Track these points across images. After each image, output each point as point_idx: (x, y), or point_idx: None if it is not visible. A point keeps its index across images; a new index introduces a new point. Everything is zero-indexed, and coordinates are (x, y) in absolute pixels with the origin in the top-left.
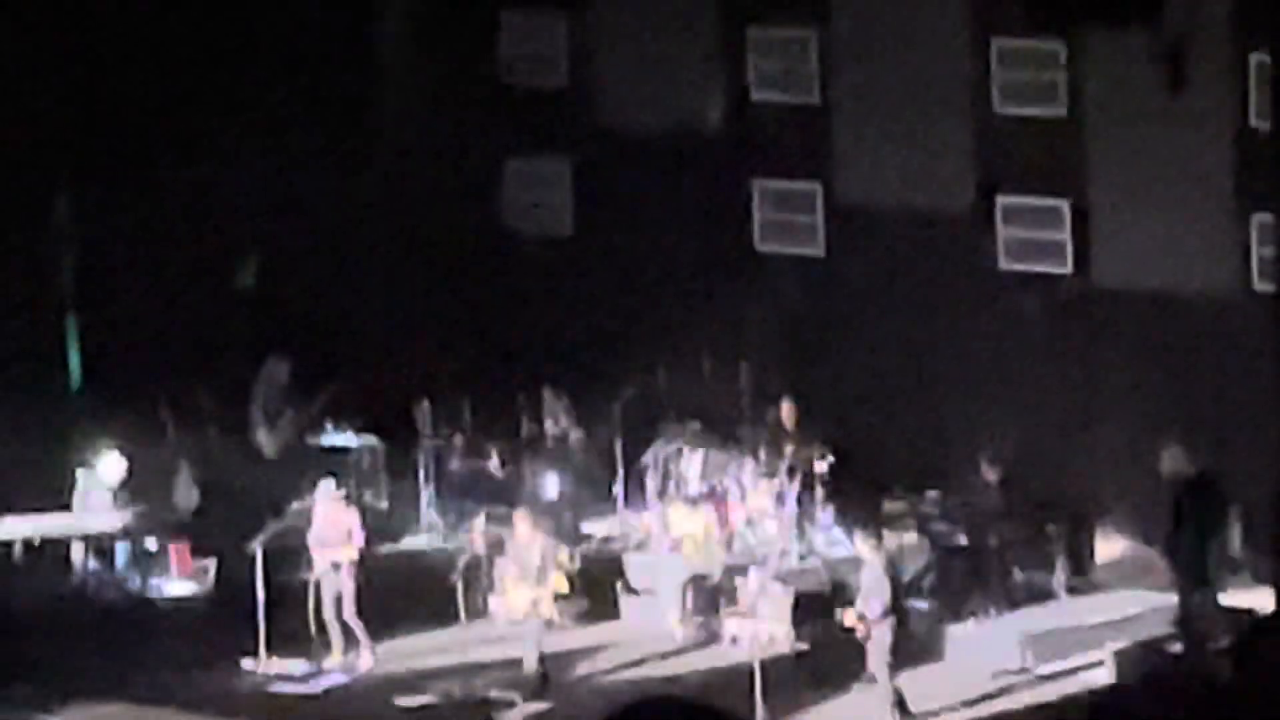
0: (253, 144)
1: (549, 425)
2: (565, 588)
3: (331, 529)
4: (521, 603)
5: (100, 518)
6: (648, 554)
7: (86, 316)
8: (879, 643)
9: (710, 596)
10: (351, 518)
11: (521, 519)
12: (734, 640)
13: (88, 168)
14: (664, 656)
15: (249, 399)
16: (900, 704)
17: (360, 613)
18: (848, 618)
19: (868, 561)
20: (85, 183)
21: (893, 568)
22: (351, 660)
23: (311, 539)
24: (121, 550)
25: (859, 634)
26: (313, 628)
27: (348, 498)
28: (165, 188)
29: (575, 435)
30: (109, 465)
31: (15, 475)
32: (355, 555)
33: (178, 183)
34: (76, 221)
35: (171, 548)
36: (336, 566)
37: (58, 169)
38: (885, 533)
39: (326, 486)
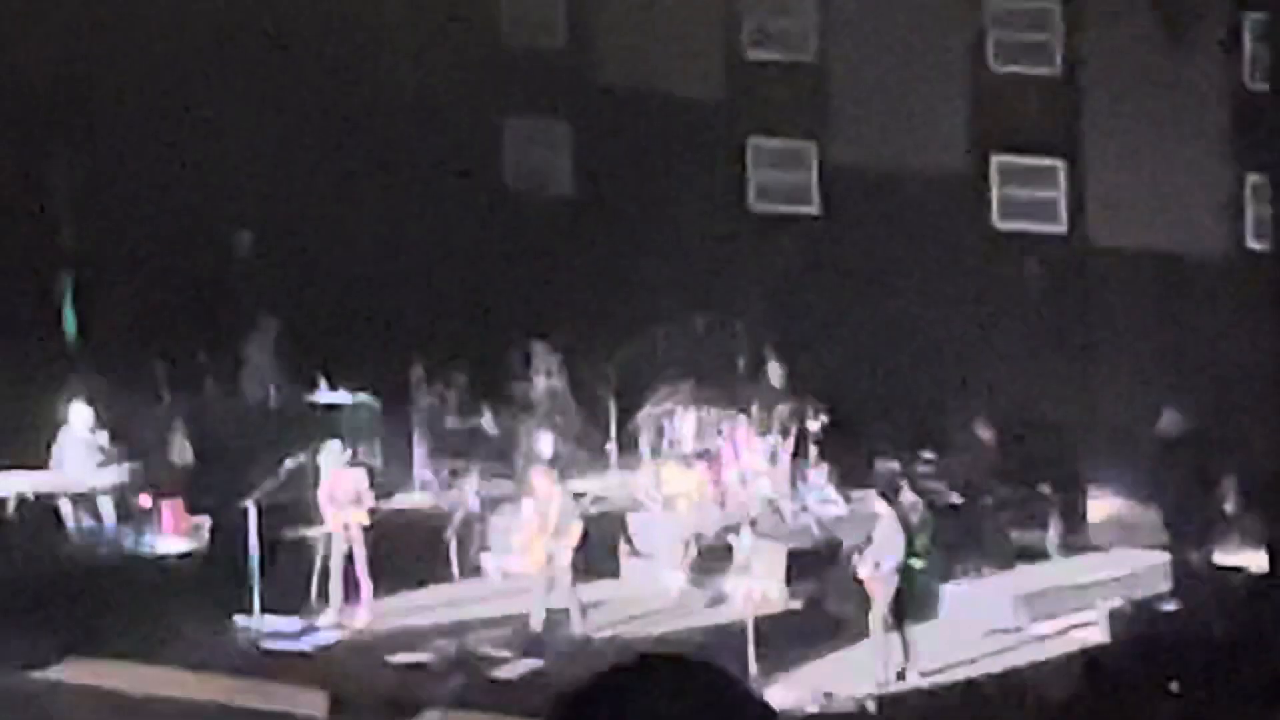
0: (252, 103)
1: (543, 383)
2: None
3: (340, 489)
4: (539, 556)
5: (94, 474)
6: (645, 514)
7: (82, 274)
8: (884, 597)
9: (707, 556)
10: (359, 478)
11: (540, 474)
12: (725, 596)
13: (84, 125)
14: (660, 615)
15: (244, 356)
16: (906, 655)
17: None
18: (862, 568)
19: (882, 516)
20: (82, 140)
21: (907, 524)
22: (346, 618)
23: (322, 498)
24: (113, 507)
25: (868, 586)
26: (315, 586)
27: (356, 457)
28: (163, 146)
29: (569, 394)
30: (78, 415)
31: (8, 431)
32: (365, 517)
33: (175, 142)
34: (73, 178)
35: (165, 505)
36: (346, 526)
37: (55, 127)
38: (901, 488)
39: (333, 448)
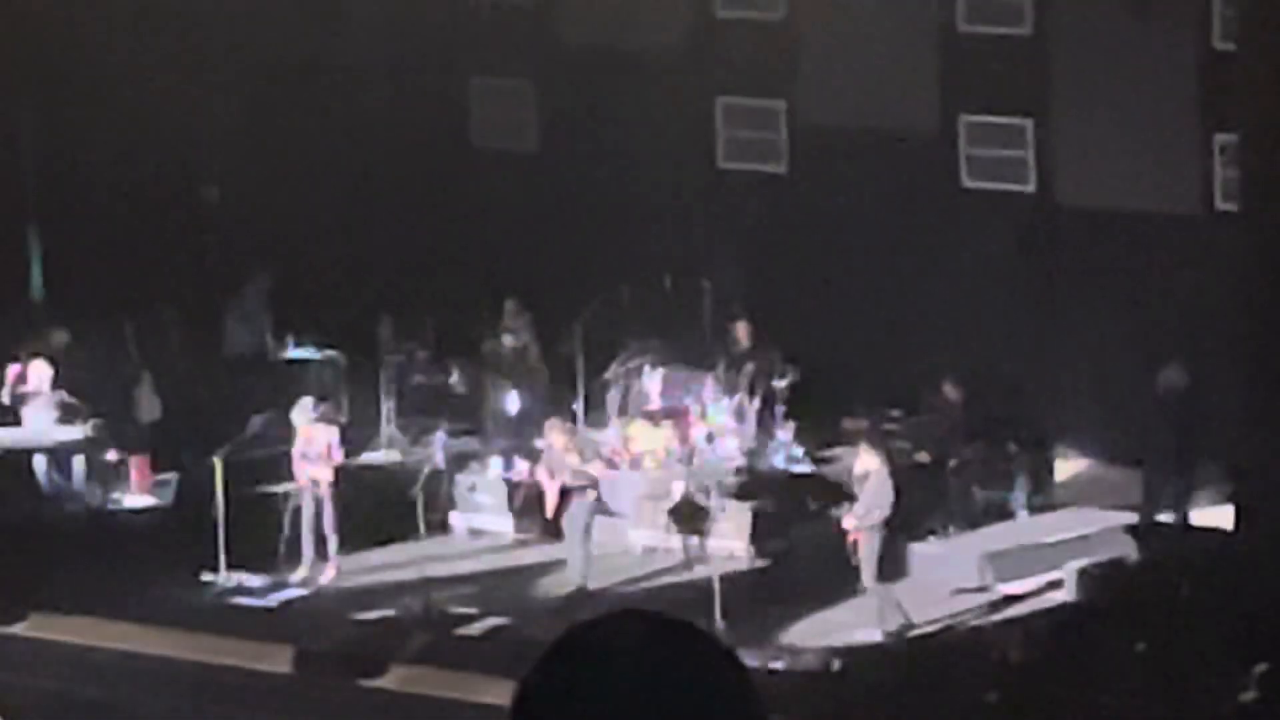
0: (219, 60)
1: (510, 341)
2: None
3: (310, 445)
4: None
5: (58, 430)
6: (613, 472)
7: (49, 228)
8: (870, 552)
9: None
10: (330, 434)
11: (555, 428)
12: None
13: (49, 81)
14: (628, 573)
15: (212, 312)
16: (899, 610)
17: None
18: (848, 521)
19: (873, 471)
20: (47, 95)
21: (896, 479)
22: (313, 575)
23: (295, 455)
24: (80, 463)
25: (851, 540)
26: (283, 543)
27: (325, 414)
28: (129, 103)
29: (536, 351)
30: (36, 370)
31: None
32: (333, 473)
33: (142, 98)
34: (40, 133)
35: (132, 460)
36: (315, 482)
37: (19, 83)
38: (864, 448)
39: (304, 404)
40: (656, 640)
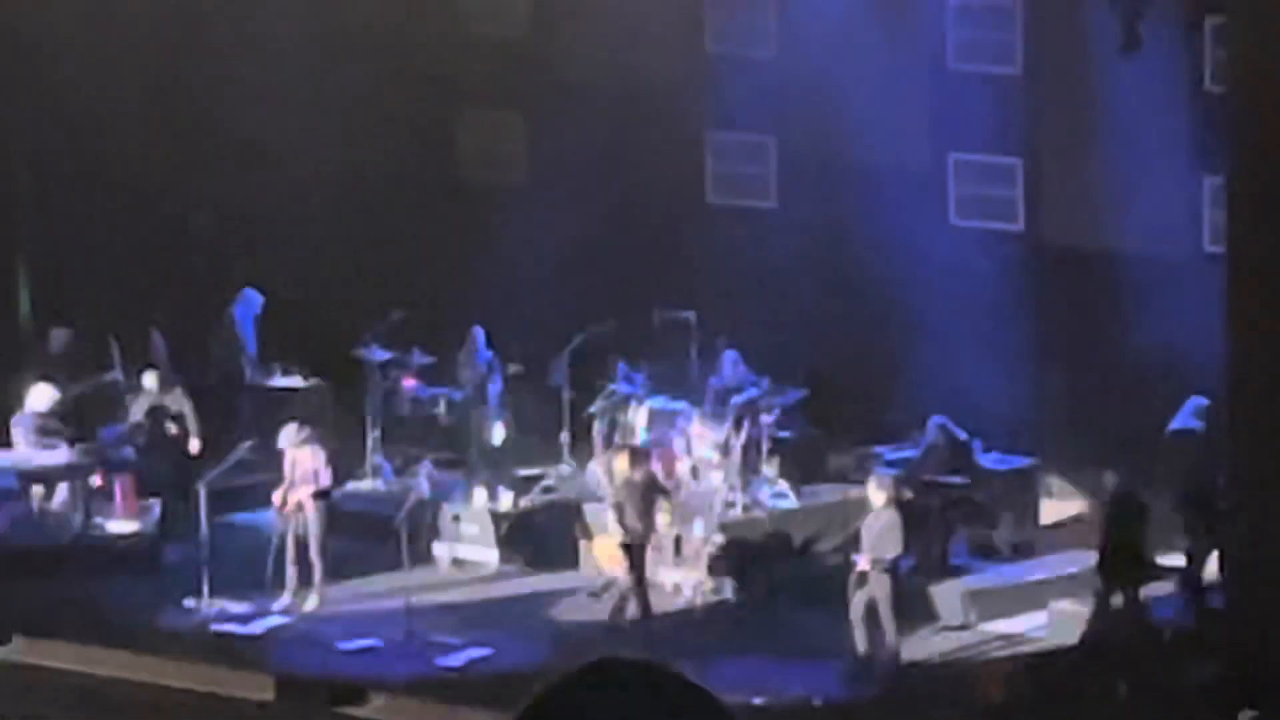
0: (209, 87)
1: (497, 372)
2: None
3: (297, 469)
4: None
5: (43, 454)
6: (600, 504)
7: (36, 254)
8: (883, 593)
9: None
10: (317, 458)
11: (622, 457)
12: (677, 589)
13: (38, 104)
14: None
15: (200, 338)
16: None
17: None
18: (863, 562)
19: (877, 508)
20: (37, 120)
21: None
22: (296, 602)
23: (285, 480)
24: (67, 487)
25: (861, 580)
26: (270, 568)
27: (311, 439)
28: (119, 129)
29: (523, 383)
30: (38, 395)
31: None
32: (320, 498)
33: (132, 126)
34: (28, 160)
35: (117, 485)
36: (301, 507)
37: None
38: (890, 482)
39: (289, 431)
40: (645, 688)
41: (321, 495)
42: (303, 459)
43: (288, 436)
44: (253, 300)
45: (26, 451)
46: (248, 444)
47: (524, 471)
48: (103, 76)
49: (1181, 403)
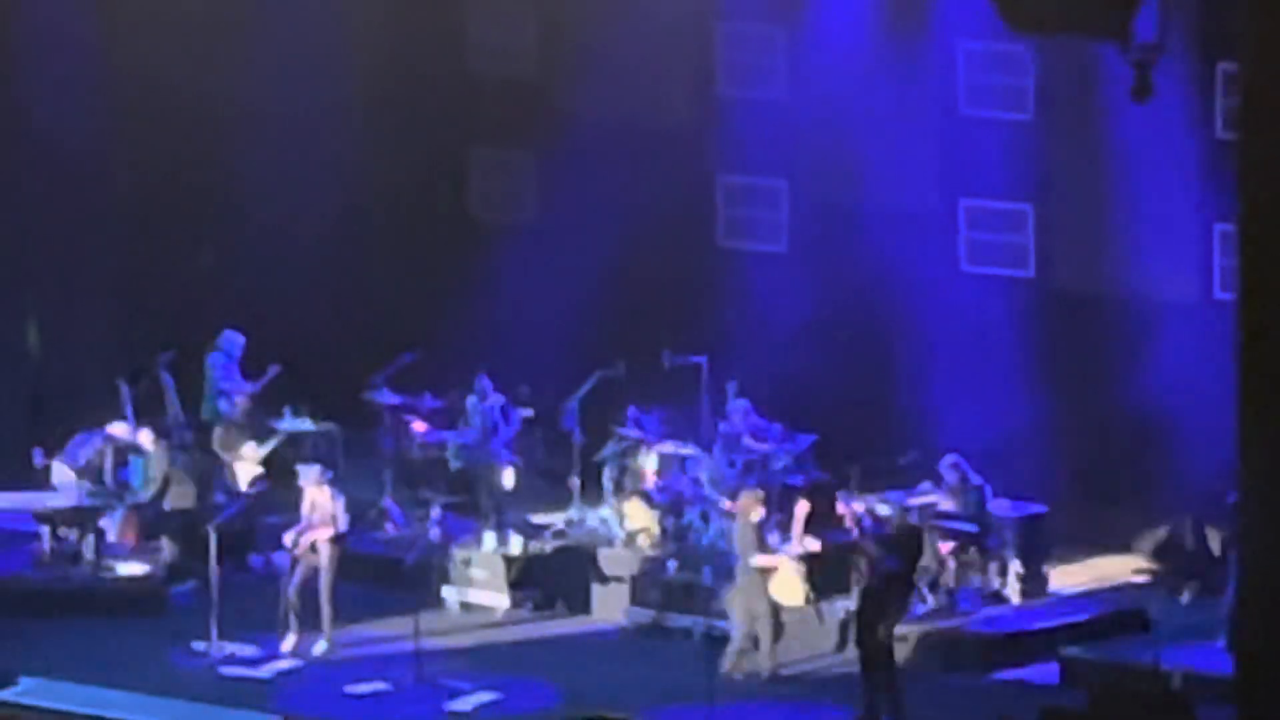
0: (215, 124)
1: (507, 415)
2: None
3: (315, 512)
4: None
5: (51, 495)
6: (613, 549)
7: (45, 294)
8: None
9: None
10: (336, 502)
11: (746, 496)
12: (688, 633)
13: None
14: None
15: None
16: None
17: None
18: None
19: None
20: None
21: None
22: (305, 645)
23: (302, 521)
24: (74, 528)
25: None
26: (283, 611)
27: (331, 482)
28: (127, 167)
29: (533, 427)
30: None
31: None
32: (335, 541)
33: (139, 163)
34: (36, 202)
35: (125, 526)
36: (314, 549)
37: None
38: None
39: (310, 471)
40: None
41: (338, 539)
42: (322, 501)
43: (310, 476)
44: (233, 341)
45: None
46: (259, 485)
47: (534, 518)
48: (108, 111)
49: (1193, 449)
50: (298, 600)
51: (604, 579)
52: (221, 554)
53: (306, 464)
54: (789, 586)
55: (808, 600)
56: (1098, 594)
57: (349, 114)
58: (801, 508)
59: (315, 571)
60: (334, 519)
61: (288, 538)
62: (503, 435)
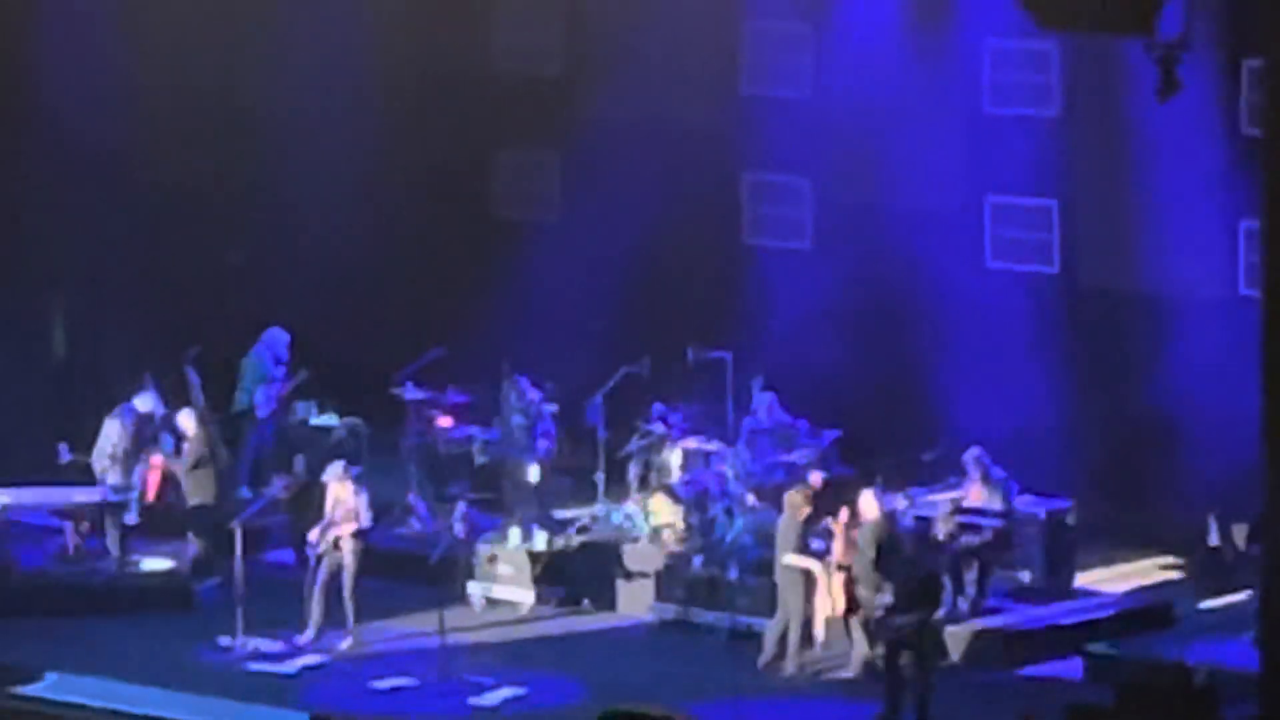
0: (240, 123)
1: (532, 411)
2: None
3: (340, 509)
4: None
5: (77, 490)
6: (637, 546)
7: (73, 292)
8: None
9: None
10: (359, 498)
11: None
12: (713, 629)
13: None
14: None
15: (234, 376)
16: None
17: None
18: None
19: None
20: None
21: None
22: (330, 640)
23: (326, 517)
24: (101, 523)
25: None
26: (310, 606)
27: (356, 478)
28: (153, 166)
29: (558, 423)
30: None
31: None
32: (359, 537)
33: (165, 162)
34: (64, 196)
35: (151, 522)
36: (337, 546)
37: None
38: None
39: (334, 467)
40: None
41: (361, 535)
42: (345, 497)
43: (334, 472)
44: (276, 339)
45: (59, 488)
46: (282, 483)
47: (559, 513)
48: (137, 112)
49: (1218, 445)
50: (322, 596)
51: (629, 574)
52: (246, 549)
53: (331, 460)
54: (829, 596)
55: (846, 614)
56: (1123, 590)
57: (376, 113)
58: (844, 514)
59: (340, 567)
60: (357, 515)
61: (312, 534)
62: (536, 431)
